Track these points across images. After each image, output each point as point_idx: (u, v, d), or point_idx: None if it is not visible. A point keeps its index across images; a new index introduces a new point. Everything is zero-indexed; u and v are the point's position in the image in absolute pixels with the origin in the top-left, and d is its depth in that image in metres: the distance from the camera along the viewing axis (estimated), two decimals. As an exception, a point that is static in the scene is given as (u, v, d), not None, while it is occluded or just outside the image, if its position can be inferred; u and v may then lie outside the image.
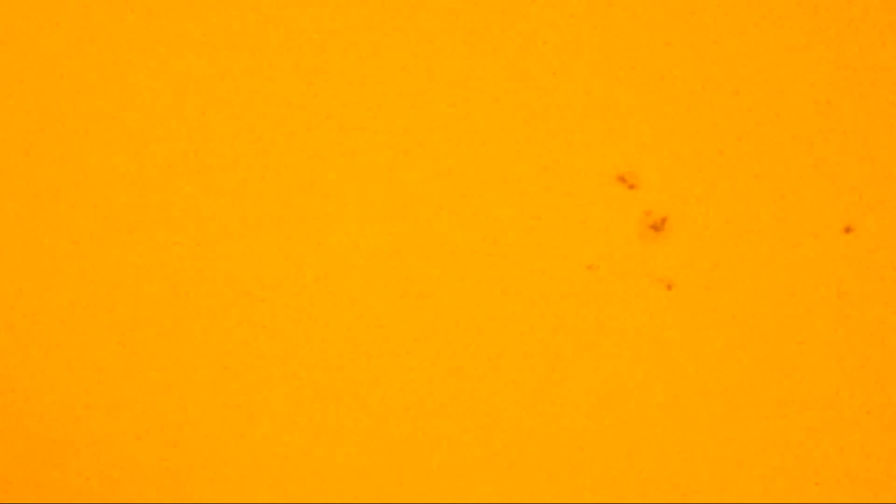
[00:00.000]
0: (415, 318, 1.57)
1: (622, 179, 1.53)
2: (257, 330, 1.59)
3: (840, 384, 1.53)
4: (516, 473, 1.59)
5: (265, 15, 1.55)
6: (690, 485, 1.57)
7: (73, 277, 1.61)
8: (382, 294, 1.58)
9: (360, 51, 1.54)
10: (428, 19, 1.53)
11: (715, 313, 1.54)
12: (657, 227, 1.53)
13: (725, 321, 1.54)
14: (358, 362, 1.59)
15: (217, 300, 1.59)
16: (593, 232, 1.54)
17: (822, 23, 1.49)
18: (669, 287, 1.54)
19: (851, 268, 1.52)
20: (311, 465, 1.61)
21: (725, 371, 1.54)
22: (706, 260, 1.53)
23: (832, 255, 1.52)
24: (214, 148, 1.57)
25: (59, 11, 1.57)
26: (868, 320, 1.52)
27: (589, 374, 1.56)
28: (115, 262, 1.60)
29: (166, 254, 1.59)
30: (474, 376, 1.58)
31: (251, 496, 1.61)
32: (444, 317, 1.57)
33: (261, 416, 1.60)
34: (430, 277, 1.56)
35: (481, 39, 1.53)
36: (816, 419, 1.54)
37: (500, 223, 1.55)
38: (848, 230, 1.52)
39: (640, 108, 1.52)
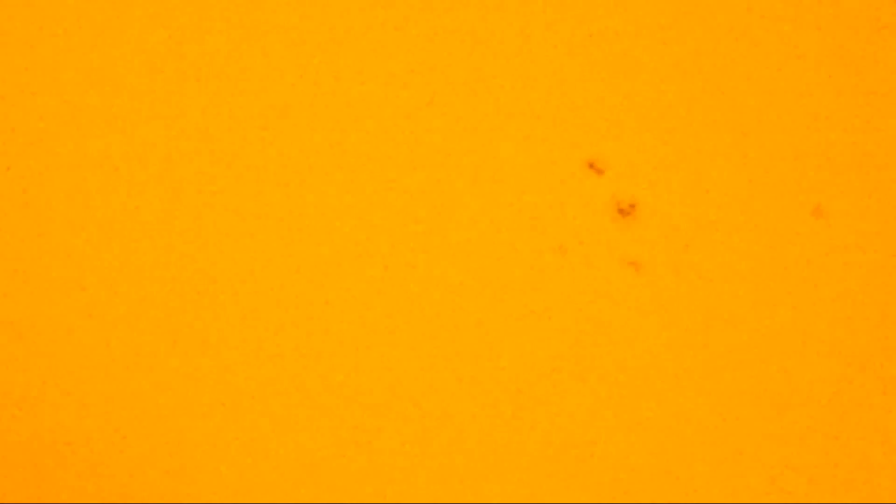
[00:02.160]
0: (386, 300, 1.59)
1: (592, 167, 1.56)
2: (256, 330, 1.61)
3: (807, 364, 1.52)
4: (484, 454, 1.58)
5: (262, 17, 1.61)
6: (656, 463, 1.54)
7: (72, 277, 1.63)
8: (359, 271, 1.60)
9: (326, 35, 1.60)
10: (400, 11, 1.58)
11: (682, 296, 1.54)
12: (625, 211, 1.55)
13: (692, 303, 1.54)
14: (332, 328, 1.61)
15: (216, 300, 1.61)
16: (563, 216, 1.56)
17: (788, 6, 1.52)
18: (637, 269, 1.55)
19: (820, 250, 1.52)
20: (310, 465, 1.60)
21: (691, 352, 1.53)
22: (674, 243, 1.54)
23: (800, 237, 1.52)
24: (212, 149, 1.62)
25: (59, 11, 1.64)
26: (836, 301, 1.51)
27: (557, 352, 1.56)
28: (115, 261, 1.63)
29: (166, 254, 1.62)
30: (444, 355, 1.58)
31: (251, 496, 1.60)
32: (415, 298, 1.59)
33: (261, 417, 1.61)
34: (402, 259, 1.59)
35: (452, 29, 1.58)
36: (783, 399, 1.52)
37: (474, 206, 1.57)
38: (816, 212, 1.52)
39: (609, 96, 1.55)
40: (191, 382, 1.62)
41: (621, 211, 1.55)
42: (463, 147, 1.58)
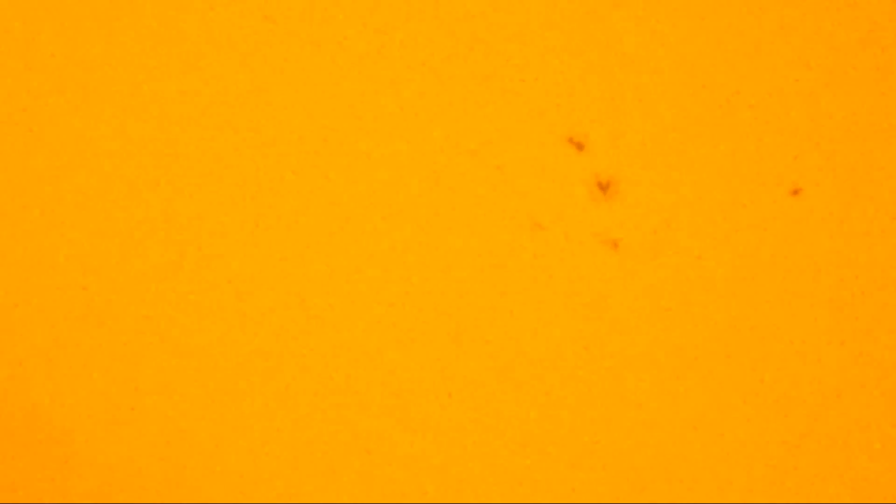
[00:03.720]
0: (360, 275, 1.57)
1: (572, 141, 1.54)
2: (255, 331, 1.59)
3: (787, 340, 1.51)
4: (456, 429, 1.57)
5: (257, 20, 1.58)
6: (630, 436, 1.54)
7: (72, 277, 1.61)
8: (335, 251, 1.58)
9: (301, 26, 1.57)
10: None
11: (659, 273, 1.53)
12: (604, 188, 1.53)
13: (670, 281, 1.52)
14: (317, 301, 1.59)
15: (215, 301, 1.59)
16: (541, 191, 1.54)
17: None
18: (615, 246, 1.53)
19: (799, 229, 1.51)
20: (309, 465, 1.59)
21: (667, 329, 1.53)
22: (652, 220, 1.53)
23: (779, 216, 1.51)
24: (210, 150, 1.59)
25: (59, 12, 1.60)
26: (815, 278, 1.51)
27: (534, 329, 1.55)
28: (115, 262, 1.60)
29: (166, 254, 1.59)
30: (418, 331, 1.57)
31: (251, 496, 1.59)
32: (389, 275, 1.57)
33: (260, 417, 1.59)
34: (377, 234, 1.56)
35: (431, 5, 1.55)
36: (761, 375, 1.52)
37: (450, 180, 1.55)
38: (795, 192, 1.51)
39: (590, 73, 1.53)
40: (190, 383, 1.60)
41: (601, 187, 1.53)
42: (440, 120, 1.55)
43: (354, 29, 1.56)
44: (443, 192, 1.55)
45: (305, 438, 1.59)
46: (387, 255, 1.56)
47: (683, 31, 1.51)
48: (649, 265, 1.53)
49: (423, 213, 1.56)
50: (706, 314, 1.52)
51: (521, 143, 1.54)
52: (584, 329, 1.54)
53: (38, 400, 1.61)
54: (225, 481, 1.60)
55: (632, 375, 1.54)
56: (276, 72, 1.58)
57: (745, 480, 1.53)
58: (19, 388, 1.62)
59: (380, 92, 1.56)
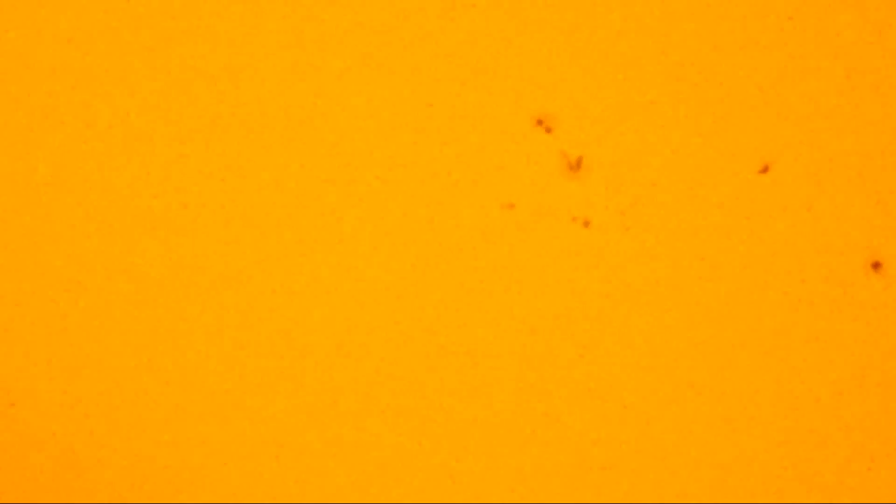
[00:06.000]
0: (332, 259, 1.57)
1: (540, 122, 1.54)
2: (255, 331, 1.58)
3: (756, 318, 1.52)
4: (431, 412, 1.56)
5: (254, 23, 1.57)
6: (601, 418, 1.54)
7: (72, 277, 1.59)
8: (306, 229, 1.57)
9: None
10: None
11: (631, 251, 1.53)
12: (574, 167, 1.54)
13: (641, 258, 1.53)
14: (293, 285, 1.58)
15: (215, 301, 1.58)
16: (511, 172, 1.54)
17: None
18: (586, 225, 1.53)
19: (767, 207, 1.52)
20: (309, 464, 1.58)
21: (639, 307, 1.53)
22: (622, 198, 1.53)
23: (747, 193, 1.53)
24: (209, 150, 1.58)
25: (59, 12, 1.59)
26: (781, 256, 1.52)
27: (507, 310, 1.55)
28: (115, 262, 1.59)
29: (165, 254, 1.58)
30: (390, 313, 1.56)
31: (251, 496, 1.58)
32: (361, 258, 1.56)
33: (260, 417, 1.58)
34: (348, 216, 1.56)
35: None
36: (728, 355, 1.53)
37: (422, 163, 1.55)
38: (764, 170, 1.52)
39: (555, 54, 1.54)
40: (190, 383, 1.58)
41: (570, 166, 1.53)
42: (411, 104, 1.55)
43: (318, 10, 1.56)
44: (412, 175, 1.55)
45: (289, 431, 1.58)
46: (355, 238, 1.56)
47: (649, 8, 1.53)
48: (621, 243, 1.53)
49: (392, 196, 1.55)
50: (677, 292, 1.53)
51: (488, 124, 1.54)
52: (556, 308, 1.54)
53: (38, 400, 1.59)
54: (225, 481, 1.58)
55: (605, 354, 1.54)
56: (223, 43, 1.57)
57: (727, 469, 1.53)
58: (19, 388, 1.60)
59: (344, 76, 1.56)
